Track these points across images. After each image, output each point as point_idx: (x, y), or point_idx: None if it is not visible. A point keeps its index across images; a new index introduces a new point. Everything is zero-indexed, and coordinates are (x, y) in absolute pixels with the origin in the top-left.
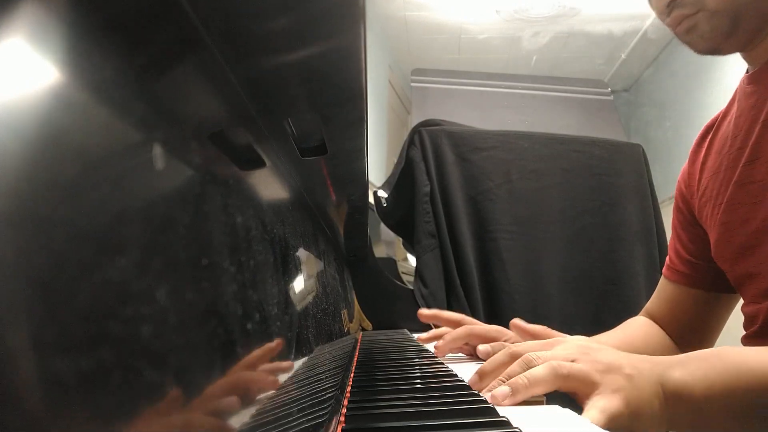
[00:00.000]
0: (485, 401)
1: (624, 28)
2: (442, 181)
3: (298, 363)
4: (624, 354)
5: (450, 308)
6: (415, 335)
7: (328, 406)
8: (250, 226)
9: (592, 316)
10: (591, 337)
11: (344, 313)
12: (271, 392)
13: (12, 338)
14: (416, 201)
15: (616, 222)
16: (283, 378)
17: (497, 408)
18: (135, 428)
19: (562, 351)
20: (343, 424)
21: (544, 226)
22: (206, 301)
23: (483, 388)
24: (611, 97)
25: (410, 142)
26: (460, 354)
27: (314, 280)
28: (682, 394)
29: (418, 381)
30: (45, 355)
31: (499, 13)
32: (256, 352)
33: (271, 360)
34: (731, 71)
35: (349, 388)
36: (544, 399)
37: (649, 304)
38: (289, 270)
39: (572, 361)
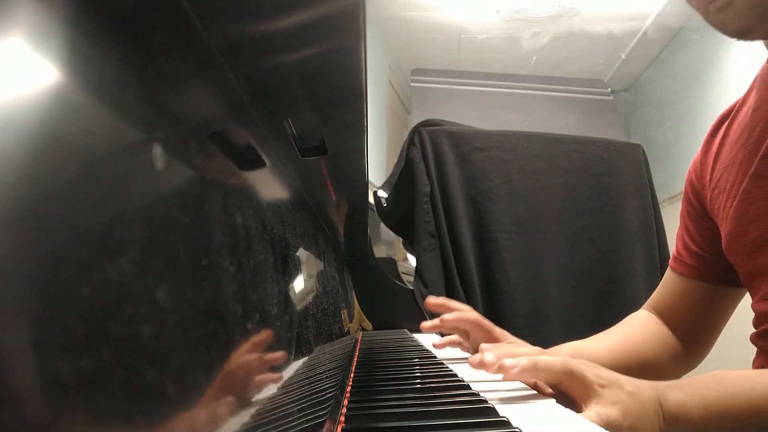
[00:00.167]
0: (485, 401)
1: (624, 28)
2: (442, 181)
3: (298, 363)
4: (624, 376)
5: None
6: (416, 335)
7: (328, 406)
8: (250, 226)
9: (592, 316)
10: (584, 339)
11: (344, 313)
12: (271, 392)
13: (12, 338)
14: (416, 201)
15: (616, 222)
16: (283, 378)
17: (498, 408)
18: (135, 428)
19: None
20: (343, 424)
21: (544, 226)
22: (206, 301)
23: (482, 365)
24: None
25: (410, 142)
26: (461, 354)
27: (314, 280)
28: (679, 414)
29: (418, 381)
30: (45, 355)
31: (499, 13)
32: (256, 352)
33: (272, 360)
34: (731, 71)
35: (349, 388)
36: (554, 394)
37: (654, 297)
38: (289, 270)
39: (582, 367)
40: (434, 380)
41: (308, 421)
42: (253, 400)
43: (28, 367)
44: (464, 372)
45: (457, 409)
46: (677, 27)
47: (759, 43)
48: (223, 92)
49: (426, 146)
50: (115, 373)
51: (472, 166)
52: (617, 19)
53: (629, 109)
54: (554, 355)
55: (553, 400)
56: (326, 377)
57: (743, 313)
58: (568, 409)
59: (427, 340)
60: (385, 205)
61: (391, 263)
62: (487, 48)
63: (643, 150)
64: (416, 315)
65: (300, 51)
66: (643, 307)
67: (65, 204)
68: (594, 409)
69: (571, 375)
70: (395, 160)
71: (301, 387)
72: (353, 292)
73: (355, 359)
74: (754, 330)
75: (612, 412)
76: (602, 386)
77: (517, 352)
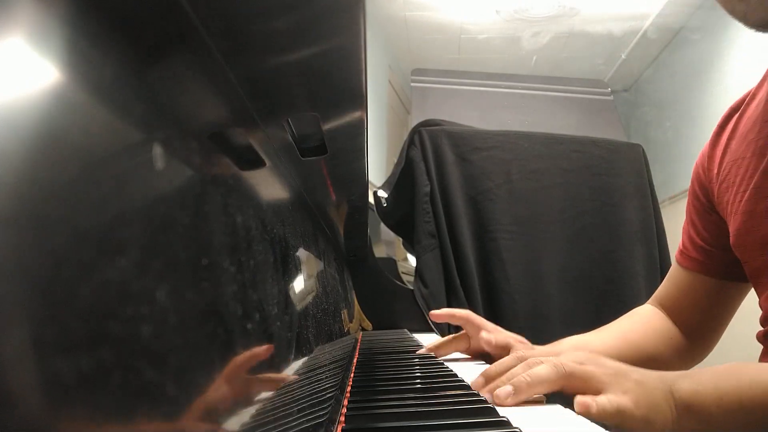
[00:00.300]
0: (485, 401)
1: (624, 28)
2: (442, 181)
3: (298, 363)
4: (628, 365)
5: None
6: (415, 335)
7: (328, 406)
8: (250, 226)
9: (592, 316)
10: (585, 334)
11: (344, 313)
12: (271, 392)
13: (12, 338)
14: (416, 201)
15: (616, 222)
16: (283, 378)
17: (498, 408)
18: (135, 428)
19: (570, 356)
20: (343, 424)
21: (544, 226)
22: (206, 301)
23: (486, 390)
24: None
25: (410, 142)
26: (460, 354)
27: (314, 280)
28: (693, 404)
29: (418, 381)
30: (45, 355)
31: (499, 13)
32: (256, 352)
33: (272, 360)
34: (731, 71)
35: (349, 388)
36: (544, 399)
37: (659, 291)
38: (289, 270)
39: (580, 364)
40: (434, 380)
41: (308, 421)
42: (253, 400)
43: (28, 367)
44: (464, 372)
45: (457, 409)
46: (677, 27)
47: (759, 44)
48: (223, 92)
49: (426, 146)
50: (115, 373)
51: (472, 166)
52: (617, 19)
53: (629, 109)
54: (555, 350)
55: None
56: (326, 377)
57: (746, 311)
58: (568, 410)
59: (427, 340)
60: (385, 205)
61: (391, 263)
62: (487, 48)
63: (643, 150)
64: (416, 315)
65: (300, 51)
66: (648, 301)
67: (65, 204)
68: (605, 397)
69: (571, 376)
70: (395, 160)
71: (301, 387)
72: (353, 292)
73: (355, 359)
74: (761, 328)
75: (623, 400)
76: (608, 376)
77: (506, 364)
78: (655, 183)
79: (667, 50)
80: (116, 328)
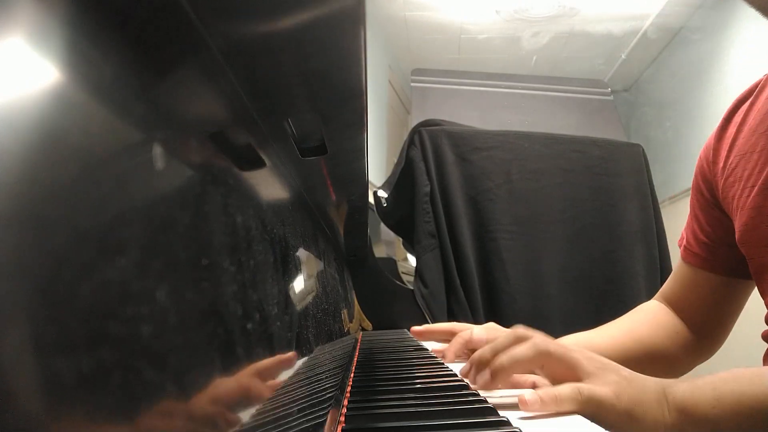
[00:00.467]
0: (485, 401)
1: (624, 28)
2: (442, 181)
3: (298, 363)
4: (625, 368)
5: (450, 308)
6: None
7: (328, 406)
8: (250, 226)
9: (592, 316)
10: (589, 330)
11: (344, 313)
12: (271, 392)
13: (12, 338)
14: (416, 201)
15: (616, 222)
16: (283, 378)
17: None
18: (135, 428)
19: (558, 341)
20: (343, 424)
21: (544, 226)
22: (206, 301)
23: (471, 377)
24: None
25: (410, 142)
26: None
27: (314, 280)
28: (688, 405)
29: (418, 381)
30: (45, 355)
31: (499, 13)
32: (256, 353)
33: (271, 360)
34: (731, 71)
35: (349, 388)
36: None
37: (665, 286)
38: (289, 270)
39: (565, 349)
40: (434, 380)
41: (308, 421)
42: (254, 400)
43: (28, 367)
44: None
45: (457, 409)
46: (677, 27)
47: (759, 43)
48: (223, 92)
49: (426, 146)
50: (115, 373)
51: (472, 166)
52: (617, 19)
53: (629, 109)
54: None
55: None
56: (326, 377)
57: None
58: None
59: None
60: (385, 205)
61: (391, 263)
62: (487, 48)
63: (643, 150)
64: (416, 315)
65: (300, 51)
66: (654, 297)
67: (65, 204)
68: (578, 385)
69: (549, 356)
70: (395, 160)
71: (301, 387)
72: (353, 292)
73: (355, 359)
74: (766, 327)
75: (602, 390)
76: (593, 367)
77: (489, 348)
78: (655, 183)
79: (667, 50)
80: (116, 328)
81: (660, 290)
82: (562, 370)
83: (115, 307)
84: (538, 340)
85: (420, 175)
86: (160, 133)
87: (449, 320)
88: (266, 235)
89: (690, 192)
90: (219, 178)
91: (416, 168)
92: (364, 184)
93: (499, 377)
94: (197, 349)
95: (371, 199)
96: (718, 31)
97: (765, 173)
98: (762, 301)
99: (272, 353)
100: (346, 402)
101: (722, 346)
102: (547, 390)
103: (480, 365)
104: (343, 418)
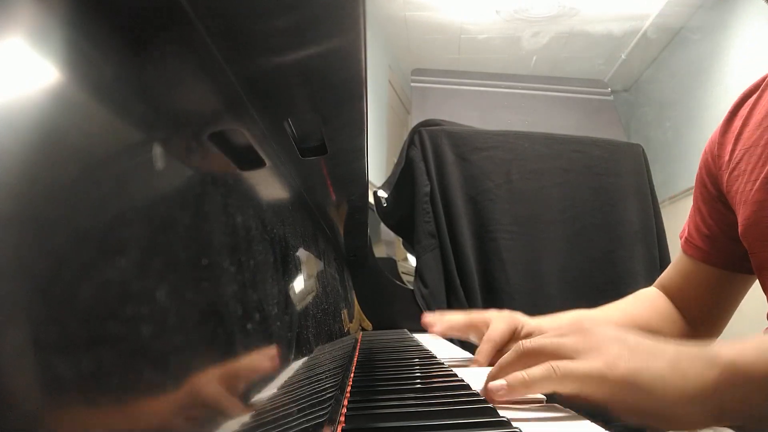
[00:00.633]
0: (485, 401)
1: (624, 28)
2: (442, 181)
3: (298, 363)
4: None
5: (450, 308)
6: (415, 335)
7: (328, 406)
8: (250, 226)
9: None
10: (592, 309)
11: (344, 313)
12: (271, 392)
13: (12, 338)
14: (416, 201)
15: (616, 222)
16: (283, 378)
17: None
18: (135, 428)
19: (570, 342)
20: (343, 424)
21: (544, 226)
22: (206, 301)
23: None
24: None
25: (410, 142)
26: (461, 354)
27: (314, 280)
28: (738, 362)
29: (418, 381)
30: (45, 355)
31: (499, 13)
32: (257, 352)
33: (272, 360)
34: (731, 71)
35: (349, 388)
36: (544, 399)
37: (664, 276)
38: (289, 270)
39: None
40: (434, 380)
41: (308, 421)
42: (253, 400)
43: (28, 367)
44: (464, 372)
45: (457, 409)
46: (677, 27)
47: (758, 44)
48: (223, 92)
49: (426, 146)
50: (115, 373)
51: (472, 166)
52: (617, 19)
53: (629, 109)
54: (554, 324)
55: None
56: (326, 377)
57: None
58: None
59: (427, 340)
60: (385, 205)
61: (391, 263)
62: (487, 48)
63: (643, 150)
64: (416, 315)
65: (300, 51)
66: (653, 284)
67: (65, 204)
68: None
69: (563, 380)
70: (395, 160)
71: (301, 387)
72: (353, 292)
73: (355, 359)
74: None
75: (584, 364)
76: (587, 346)
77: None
78: (655, 183)
79: (667, 50)
80: (116, 328)
81: (658, 279)
82: (576, 386)
83: (115, 307)
84: (555, 364)
85: (420, 175)
86: (159, 133)
87: None
88: (266, 235)
89: (690, 191)
90: (219, 178)
91: (416, 168)
92: (364, 184)
93: (516, 392)
94: (197, 349)
95: (371, 199)
96: (718, 31)
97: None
98: (763, 297)
99: (272, 353)
100: (346, 402)
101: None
102: (515, 374)
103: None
104: (343, 418)
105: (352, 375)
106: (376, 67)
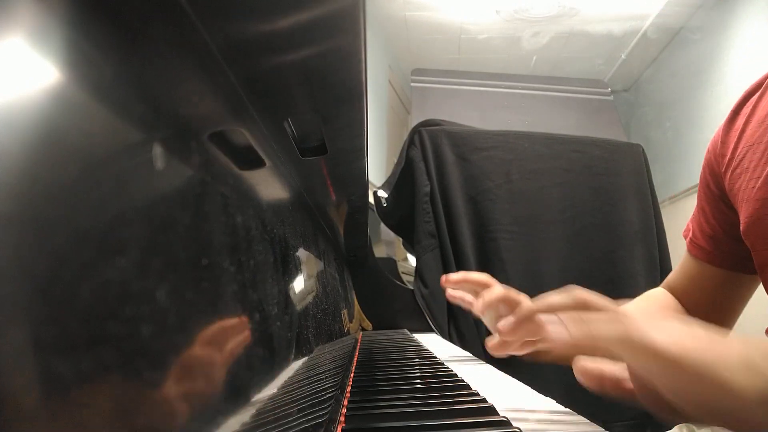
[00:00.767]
0: (485, 401)
1: (624, 28)
2: (442, 181)
3: (298, 363)
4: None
5: (450, 308)
6: (415, 335)
7: (328, 406)
8: (251, 226)
9: None
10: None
11: (344, 313)
12: (271, 392)
13: (12, 338)
14: (416, 201)
15: (616, 222)
16: (283, 378)
17: (497, 407)
18: (135, 427)
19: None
20: (343, 424)
21: (544, 226)
22: (206, 301)
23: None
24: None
25: (410, 142)
26: (461, 354)
27: (314, 280)
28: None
29: (418, 381)
30: (45, 355)
31: (499, 13)
32: (257, 352)
33: (272, 360)
34: (731, 71)
35: (349, 388)
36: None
37: (671, 277)
38: (289, 270)
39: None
40: (434, 380)
41: (308, 421)
42: (254, 400)
43: (28, 367)
44: (464, 372)
45: (457, 409)
46: (677, 27)
47: (758, 44)
48: (223, 92)
49: (426, 146)
50: (115, 372)
51: (472, 166)
52: (617, 19)
53: (629, 109)
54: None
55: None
56: (326, 377)
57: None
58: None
59: (427, 340)
60: (385, 205)
61: (391, 263)
62: (487, 48)
63: (643, 150)
64: (416, 315)
65: (300, 51)
66: (660, 285)
67: (65, 204)
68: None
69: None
70: (395, 160)
71: (301, 387)
72: (353, 292)
73: (355, 359)
74: None
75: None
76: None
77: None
78: (655, 183)
79: (667, 50)
80: (116, 327)
81: (665, 280)
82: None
83: (115, 307)
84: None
85: (420, 175)
86: (160, 133)
87: (449, 320)
88: (266, 235)
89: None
90: (219, 178)
91: (416, 168)
92: (364, 184)
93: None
94: (197, 349)
95: (371, 199)
96: (718, 31)
97: None
98: (765, 296)
99: (272, 353)
100: (346, 402)
101: None
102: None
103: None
104: (343, 418)
105: (352, 375)
106: (376, 67)
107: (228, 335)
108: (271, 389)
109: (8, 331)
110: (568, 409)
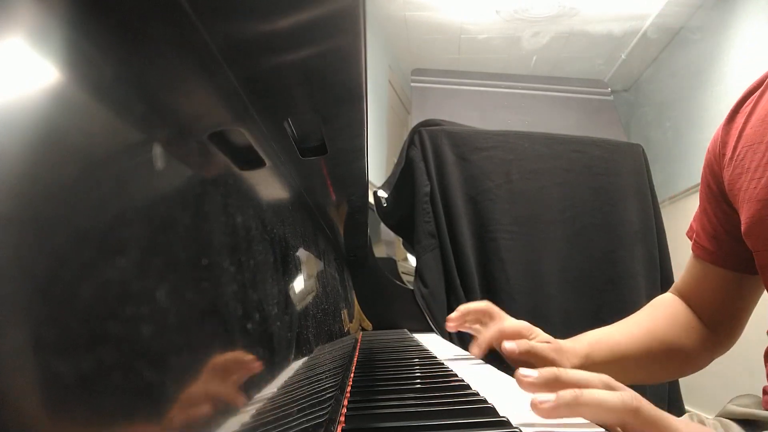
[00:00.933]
0: (485, 401)
1: (624, 28)
2: (442, 181)
3: (298, 363)
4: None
5: (450, 308)
6: (415, 335)
7: (328, 406)
8: (250, 226)
9: (592, 316)
10: (607, 326)
11: (344, 313)
12: (271, 392)
13: (12, 338)
14: (416, 201)
15: (616, 222)
16: (283, 378)
17: (497, 407)
18: (135, 428)
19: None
20: (343, 424)
21: (544, 226)
22: (206, 301)
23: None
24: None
25: (410, 142)
26: (461, 353)
27: (314, 280)
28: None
29: (418, 381)
30: (45, 355)
31: (499, 13)
32: (257, 353)
33: (272, 360)
34: (731, 71)
35: (349, 388)
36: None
37: (679, 280)
38: (289, 270)
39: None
40: (434, 380)
41: (308, 421)
42: (254, 400)
43: (28, 367)
44: (464, 372)
45: (457, 409)
46: (677, 27)
47: (758, 44)
48: (223, 92)
49: (426, 146)
50: (115, 373)
51: (472, 166)
52: (617, 19)
53: (629, 109)
54: (575, 345)
55: None
56: (326, 377)
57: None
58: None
59: (427, 340)
60: (385, 205)
61: (391, 263)
62: (487, 48)
63: (643, 150)
64: (416, 315)
65: (300, 51)
66: (669, 289)
67: (65, 204)
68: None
69: (638, 414)
70: (395, 160)
71: (301, 387)
72: (353, 292)
73: (355, 359)
74: None
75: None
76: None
77: (569, 377)
78: (655, 183)
79: (667, 50)
80: (116, 328)
81: (674, 284)
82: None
83: (115, 307)
84: (628, 394)
85: (420, 175)
86: (160, 133)
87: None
88: (266, 235)
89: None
90: (219, 178)
91: (416, 168)
92: (364, 184)
93: (567, 410)
94: (197, 350)
95: (371, 199)
96: (718, 31)
97: None
98: (766, 296)
99: (272, 353)
100: (346, 402)
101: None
102: (568, 390)
103: (552, 385)
104: (343, 418)
105: (352, 375)
106: (376, 67)
107: (228, 335)
108: (271, 389)
109: (8, 331)
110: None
